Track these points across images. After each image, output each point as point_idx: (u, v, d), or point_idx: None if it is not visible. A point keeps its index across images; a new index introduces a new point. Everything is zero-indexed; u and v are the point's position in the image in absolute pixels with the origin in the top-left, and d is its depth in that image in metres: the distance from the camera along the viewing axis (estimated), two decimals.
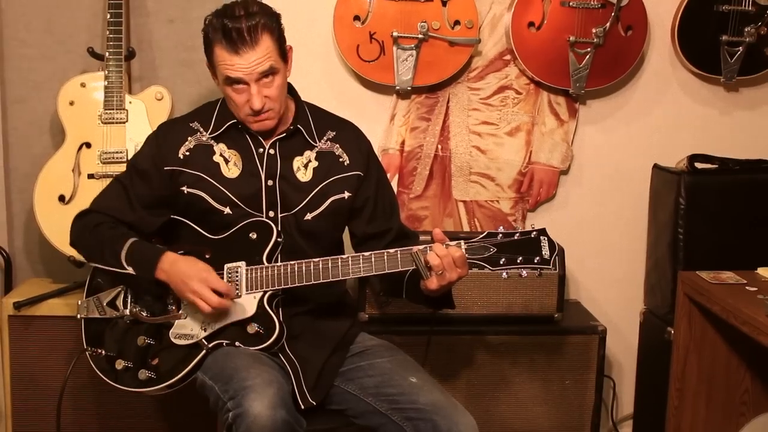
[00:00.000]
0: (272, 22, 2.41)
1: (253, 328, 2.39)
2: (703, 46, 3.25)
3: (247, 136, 2.52)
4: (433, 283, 2.30)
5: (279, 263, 2.40)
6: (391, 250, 2.35)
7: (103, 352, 2.50)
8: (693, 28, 3.23)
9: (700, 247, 3.11)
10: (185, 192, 2.48)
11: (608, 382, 3.34)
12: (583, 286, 3.42)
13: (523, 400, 3.05)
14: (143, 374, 2.43)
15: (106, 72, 2.97)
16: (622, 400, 3.46)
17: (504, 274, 2.36)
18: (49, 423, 2.94)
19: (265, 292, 2.40)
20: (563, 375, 3.04)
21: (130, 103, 3.00)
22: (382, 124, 3.26)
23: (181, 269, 2.39)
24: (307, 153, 2.54)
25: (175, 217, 2.53)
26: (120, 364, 2.47)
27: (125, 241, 2.45)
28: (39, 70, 3.17)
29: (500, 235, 2.32)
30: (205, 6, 2.82)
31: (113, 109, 2.98)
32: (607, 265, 3.42)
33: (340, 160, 2.56)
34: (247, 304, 2.40)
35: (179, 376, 2.40)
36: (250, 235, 2.43)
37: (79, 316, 2.56)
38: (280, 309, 2.46)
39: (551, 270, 2.39)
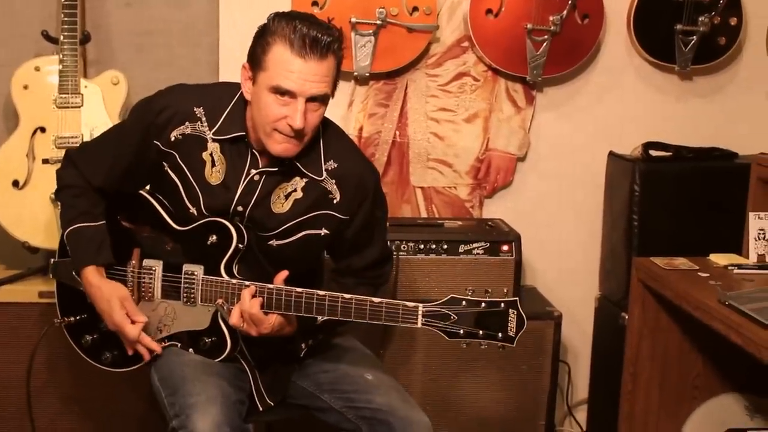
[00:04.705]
0: (341, 52, 2.20)
1: (204, 342, 2.34)
2: (658, 35, 3.28)
3: (248, 153, 2.30)
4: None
5: (235, 281, 2.28)
6: (346, 297, 2.20)
7: (74, 319, 2.48)
8: (648, 17, 3.26)
9: (654, 233, 3.15)
10: (164, 169, 2.34)
11: (563, 367, 3.37)
12: (539, 273, 3.44)
13: (480, 385, 3.07)
14: (106, 356, 2.45)
15: (61, 56, 2.93)
16: (577, 384, 3.50)
17: (463, 345, 2.19)
18: (10, 410, 2.91)
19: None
20: (519, 360, 3.05)
21: (86, 87, 2.96)
22: (341, 110, 3.25)
23: (101, 297, 2.35)
24: (296, 180, 2.31)
25: (147, 196, 2.42)
26: (87, 340, 2.46)
27: (76, 221, 2.38)
28: None
29: (464, 302, 2.14)
30: None
31: (68, 94, 2.94)
32: (563, 252, 3.45)
33: (330, 196, 2.32)
34: (201, 315, 2.33)
35: (135, 367, 2.42)
36: (210, 237, 2.31)
37: (51, 275, 2.53)
38: None
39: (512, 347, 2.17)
